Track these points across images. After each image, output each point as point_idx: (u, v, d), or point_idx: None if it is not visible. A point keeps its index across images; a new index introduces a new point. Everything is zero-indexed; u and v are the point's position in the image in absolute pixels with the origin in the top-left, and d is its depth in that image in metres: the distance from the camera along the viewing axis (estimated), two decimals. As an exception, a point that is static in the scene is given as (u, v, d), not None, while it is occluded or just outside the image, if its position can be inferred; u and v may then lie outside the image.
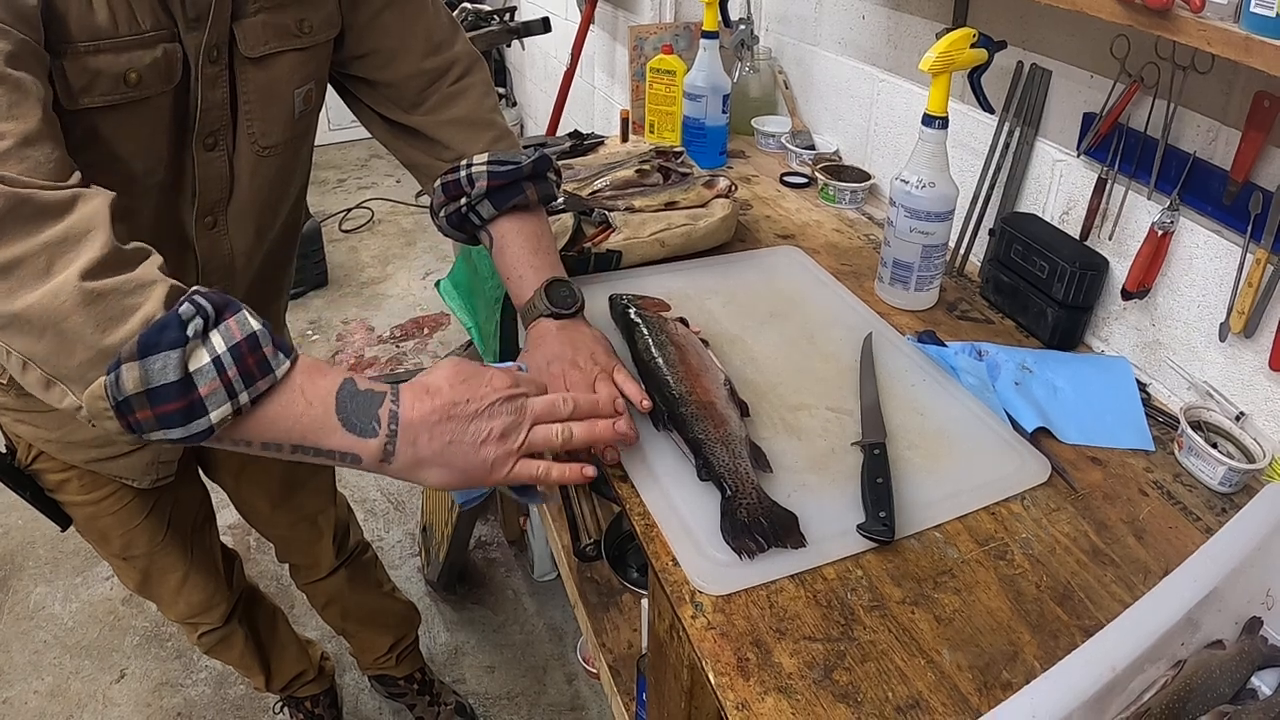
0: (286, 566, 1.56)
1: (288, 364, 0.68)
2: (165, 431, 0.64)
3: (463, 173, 0.99)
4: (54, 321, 0.61)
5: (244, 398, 0.65)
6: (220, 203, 0.94)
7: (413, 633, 1.73)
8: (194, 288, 0.66)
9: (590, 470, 0.79)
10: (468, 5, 2.81)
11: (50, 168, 0.66)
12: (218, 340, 0.64)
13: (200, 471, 1.30)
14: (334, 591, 1.56)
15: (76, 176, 0.69)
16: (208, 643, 1.42)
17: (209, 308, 0.65)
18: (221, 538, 1.37)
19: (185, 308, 0.64)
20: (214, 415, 0.64)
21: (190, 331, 0.63)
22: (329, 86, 1.04)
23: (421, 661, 1.78)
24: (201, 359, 0.64)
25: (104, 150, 0.81)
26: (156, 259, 0.68)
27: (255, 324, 0.67)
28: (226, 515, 1.51)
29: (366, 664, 1.75)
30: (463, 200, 1.00)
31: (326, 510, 1.46)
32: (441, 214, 1.03)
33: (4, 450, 1.09)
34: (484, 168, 0.98)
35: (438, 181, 1.02)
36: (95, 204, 0.66)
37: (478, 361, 0.81)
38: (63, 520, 1.14)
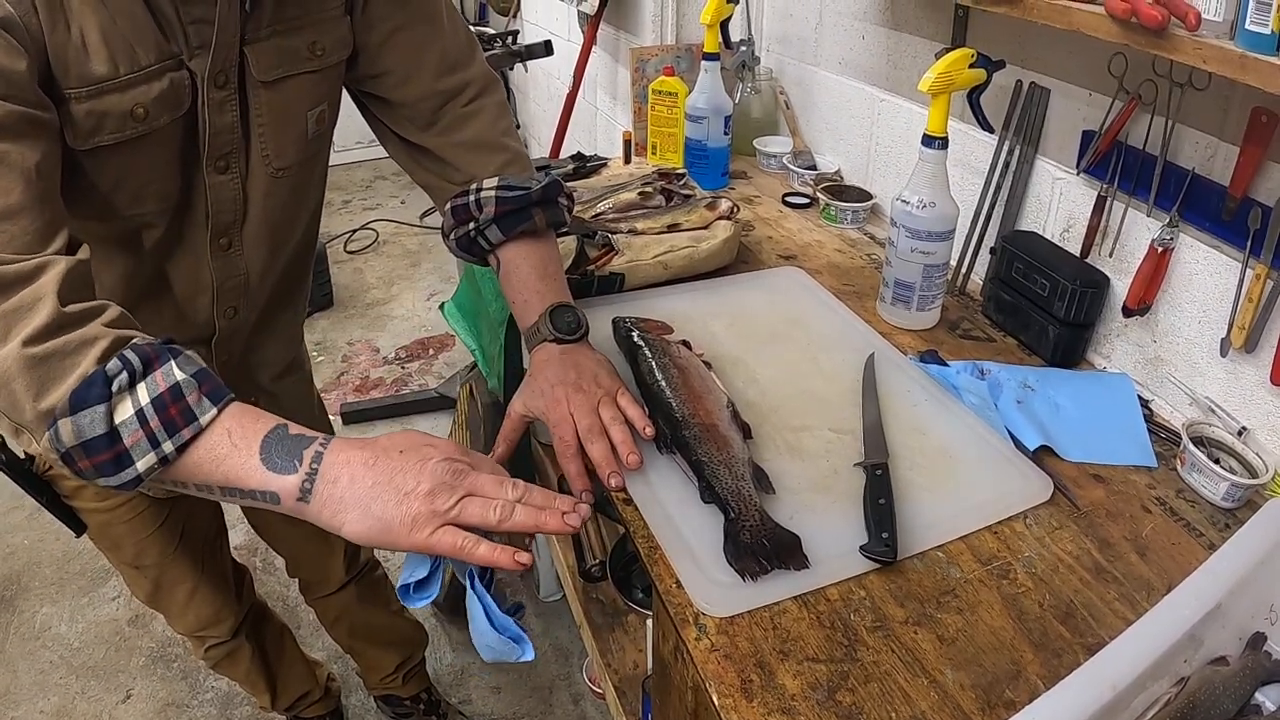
0: (296, 583, 1.56)
1: (214, 411, 0.69)
2: (104, 479, 0.67)
3: (471, 197, 0.99)
4: (4, 383, 0.65)
5: (168, 446, 0.67)
6: (234, 224, 0.95)
7: (420, 652, 1.73)
8: (132, 340, 0.68)
9: (525, 558, 0.71)
10: (470, 29, 2.84)
11: (27, 240, 0.68)
12: (142, 393, 0.67)
13: None
14: (343, 608, 1.56)
15: (60, 239, 0.71)
16: (214, 656, 1.43)
17: (136, 361, 0.67)
18: (227, 558, 1.38)
19: (112, 364, 0.66)
20: (140, 465, 0.67)
21: (115, 386, 0.66)
22: (352, 105, 1.05)
23: (428, 682, 1.79)
24: (125, 412, 0.66)
25: (117, 179, 0.82)
26: (111, 314, 0.70)
27: (181, 374, 0.68)
28: (234, 535, 1.52)
29: (373, 684, 1.75)
30: (471, 225, 1.00)
31: None
32: (451, 237, 1.03)
33: (23, 455, 1.10)
34: (493, 193, 0.98)
35: (447, 205, 1.02)
36: (54, 271, 0.68)
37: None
38: (77, 526, 1.15)
